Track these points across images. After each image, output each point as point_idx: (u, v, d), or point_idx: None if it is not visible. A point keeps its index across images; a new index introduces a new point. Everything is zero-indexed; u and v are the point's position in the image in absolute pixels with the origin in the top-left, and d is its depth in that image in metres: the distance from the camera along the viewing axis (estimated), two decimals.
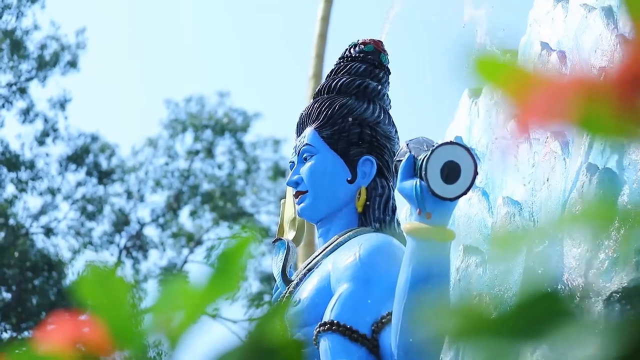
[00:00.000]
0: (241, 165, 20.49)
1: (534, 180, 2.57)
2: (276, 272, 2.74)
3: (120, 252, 19.31)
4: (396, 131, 2.79)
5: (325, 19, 10.07)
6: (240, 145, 20.44)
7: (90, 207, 19.09)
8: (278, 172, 19.89)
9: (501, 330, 0.48)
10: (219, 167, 20.43)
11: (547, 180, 2.49)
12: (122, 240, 19.51)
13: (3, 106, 18.07)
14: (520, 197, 2.61)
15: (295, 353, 0.56)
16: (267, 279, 18.40)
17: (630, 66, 0.53)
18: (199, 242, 19.88)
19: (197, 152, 20.37)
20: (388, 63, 2.88)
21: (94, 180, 19.16)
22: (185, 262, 19.73)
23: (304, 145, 2.74)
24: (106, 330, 0.63)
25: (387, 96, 2.84)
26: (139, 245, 19.53)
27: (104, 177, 19.21)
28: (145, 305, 0.64)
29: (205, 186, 20.29)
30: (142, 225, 19.80)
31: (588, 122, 0.52)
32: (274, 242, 2.81)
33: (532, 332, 0.49)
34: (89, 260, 0.64)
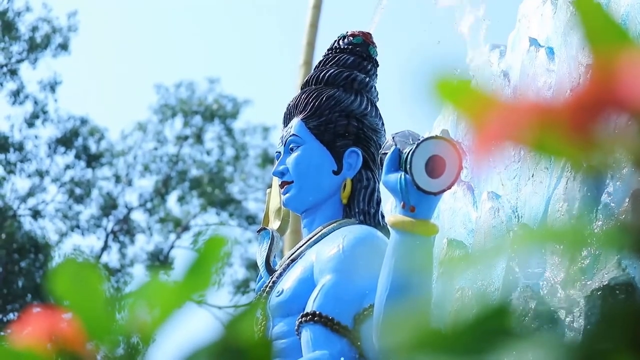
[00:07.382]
0: (230, 152, 20.48)
1: (519, 176, 2.58)
2: (260, 262, 2.75)
3: (107, 236, 19.29)
4: (383, 123, 2.80)
5: (317, 7, 10.06)
6: (229, 131, 20.43)
7: (78, 190, 19.05)
8: (267, 160, 19.87)
9: (451, 345, 0.49)
10: (208, 153, 20.41)
11: (532, 176, 2.49)
12: (109, 224, 19.49)
13: None
14: (505, 192, 2.62)
15: (265, 353, 0.57)
16: (254, 266, 18.40)
17: (586, 93, 0.54)
18: (186, 228, 19.86)
19: (186, 138, 20.34)
20: (376, 55, 2.88)
21: (83, 163, 19.12)
22: (172, 247, 19.72)
23: (290, 136, 2.74)
24: (80, 324, 0.64)
25: (375, 88, 2.84)
26: (126, 229, 19.51)
27: (93, 160, 19.16)
28: (119, 300, 0.64)
29: (194, 172, 20.28)
30: (130, 209, 19.78)
31: (542, 145, 0.53)
32: (258, 231, 2.82)
33: (481, 348, 0.50)
34: (64, 253, 0.65)
